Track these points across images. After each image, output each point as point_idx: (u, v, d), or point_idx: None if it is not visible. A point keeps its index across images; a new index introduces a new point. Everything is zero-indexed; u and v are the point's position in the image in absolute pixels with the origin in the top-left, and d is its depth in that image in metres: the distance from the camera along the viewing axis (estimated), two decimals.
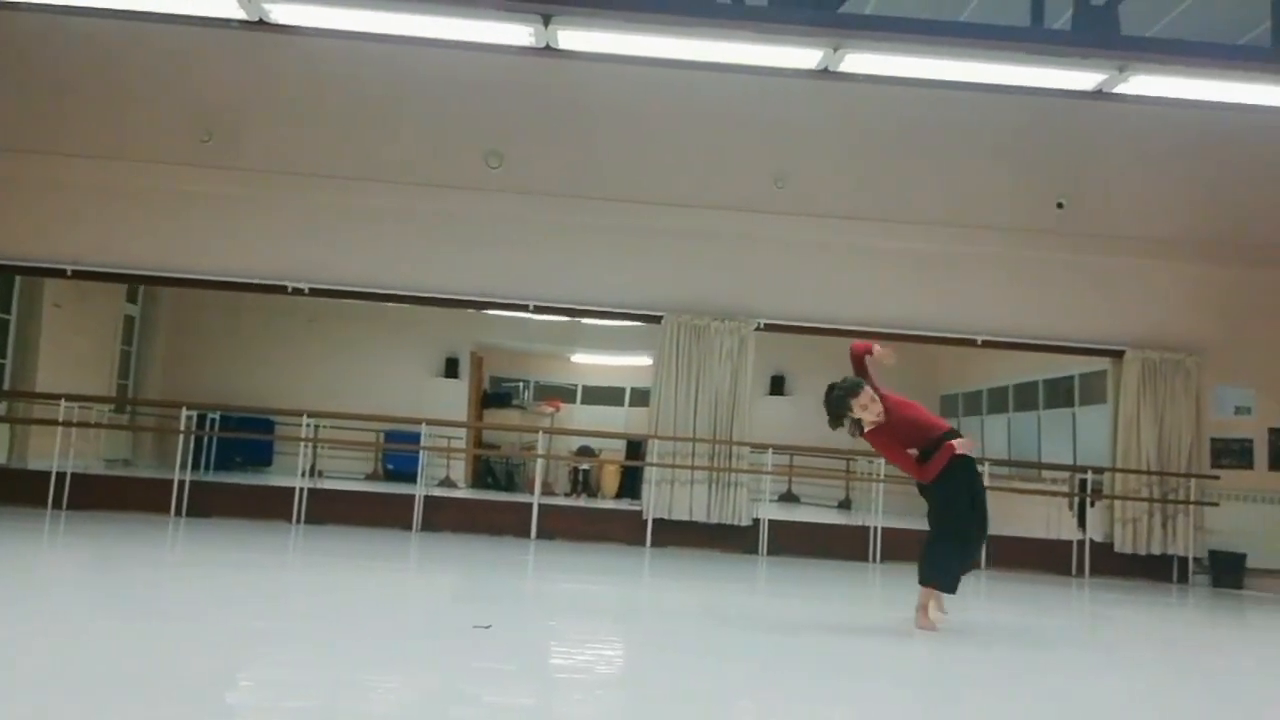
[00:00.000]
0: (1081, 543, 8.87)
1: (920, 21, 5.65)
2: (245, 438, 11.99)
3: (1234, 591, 8.48)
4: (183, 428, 8.96)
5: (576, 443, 13.95)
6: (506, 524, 8.82)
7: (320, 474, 11.16)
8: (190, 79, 8.84)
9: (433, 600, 5.68)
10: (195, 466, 9.52)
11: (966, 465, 5.05)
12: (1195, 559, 8.75)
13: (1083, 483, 9.48)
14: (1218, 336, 9.03)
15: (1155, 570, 8.75)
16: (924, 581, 5.02)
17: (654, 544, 8.59)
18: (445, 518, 8.80)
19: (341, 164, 8.86)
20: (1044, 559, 8.77)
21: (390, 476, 13.52)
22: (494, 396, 15.65)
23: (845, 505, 13.57)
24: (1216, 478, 8.82)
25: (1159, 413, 8.82)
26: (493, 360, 15.83)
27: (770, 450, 9.16)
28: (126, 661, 3.30)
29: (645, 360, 15.33)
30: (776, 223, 8.94)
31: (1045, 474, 11.42)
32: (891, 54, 5.76)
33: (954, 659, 4.39)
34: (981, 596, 7.18)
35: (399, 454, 12.98)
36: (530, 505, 8.79)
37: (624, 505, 10.05)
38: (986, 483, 9.16)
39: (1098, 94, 6.15)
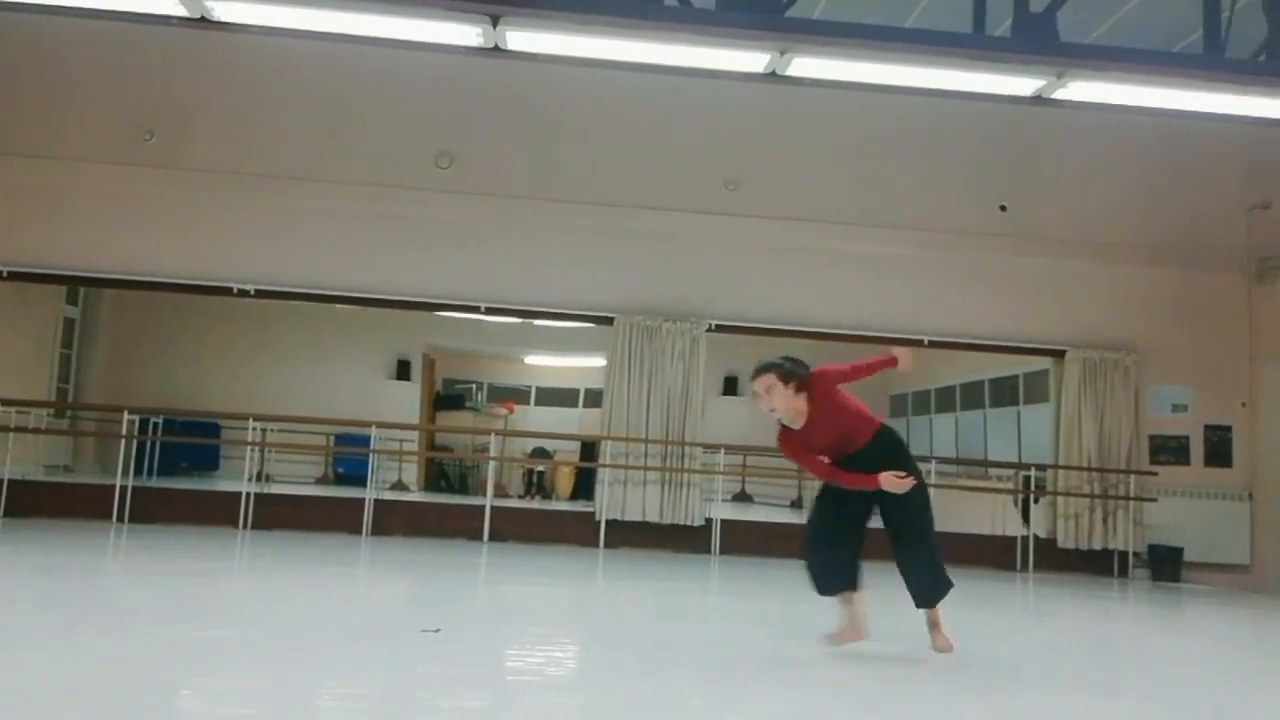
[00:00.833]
0: (1025, 538, 9.07)
1: (865, 27, 5.74)
2: (190, 442, 11.77)
3: (1172, 585, 8.72)
4: (124, 432, 8.77)
5: (532, 444, 13.92)
6: (459, 527, 8.77)
7: (269, 479, 10.99)
8: (131, 77, 8.68)
9: (381, 605, 5.62)
10: (139, 472, 9.30)
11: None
12: (1135, 553, 8.99)
13: (1026, 479, 9.68)
14: (1155, 336, 9.29)
15: (1097, 565, 8.96)
16: (935, 602, 4.36)
17: (607, 545, 8.60)
18: (396, 521, 8.72)
19: (289, 164, 8.75)
20: (989, 555, 8.95)
21: (341, 480, 13.35)
22: (447, 399, 15.55)
23: (798, 504, 13.70)
24: (1155, 474, 9.06)
25: (1099, 410, 9.04)
26: (445, 362, 15.73)
27: (723, 450, 9.23)
28: (63, 675, 3.23)
29: (599, 361, 15.33)
30: (728, 225, 9.01)
31: (991, 471, 11.64)
32: (837, 58, 5.85)
33: (894, 658, 4.45)
34: None
35: (349, 457, 12.82)
36: (483, 508, 8.75)
37: (577, 507, 10.04)
38: (934, 480, 9.42)
39: (1037, 99, 6.29)
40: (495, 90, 8.83)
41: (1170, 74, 6.06)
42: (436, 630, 4.29)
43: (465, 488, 14.27)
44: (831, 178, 9.23)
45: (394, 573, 7.04)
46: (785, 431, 4.30)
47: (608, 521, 8.63)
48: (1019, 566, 8.93)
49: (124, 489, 8.28)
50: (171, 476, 11.71)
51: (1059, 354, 9.31)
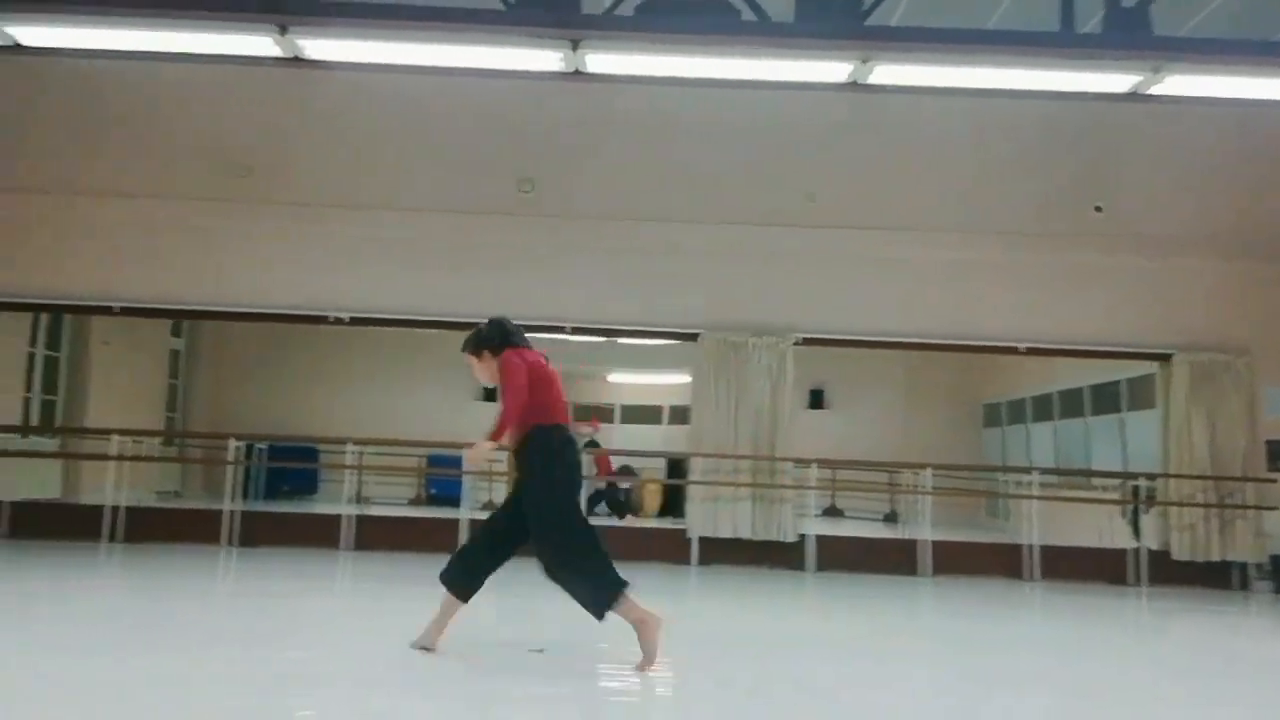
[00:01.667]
0: (1137, 551, 8.69)
1: (948, 31, 5.63)
2: (291, 467, 12.14)
3: None
4: (231, 458, 9.11)
5: (615, 462, 13.95)
6: None
7: (365, 500, 11.28)
8: (229, 116, 9.04)
9: (482, 624, 5.68)
10: (244, 496, 9.64)
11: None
12: (1256, 565, 8.53)
13: (1135, 489, 9.28)
14: (1267, 337, 8.83)
15: (1215, 578, 8.53)
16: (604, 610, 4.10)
17: (700, 562, 8.56)
18: None
19: (377, 194, 9.01)
20: (1100, 569, 8.59)
21: (433, 501, 13.63)
22: None
23: (891, 519, 13.42)
24: (1275, 480, 8.60)
25: (1211, 416, 8.63)
26: None
27: (815, 465, 9.08)
28: (169, 695, 3.35)
29: (683, 378, 15.34)
30: (810, 236, 8.92)
31: (1095, 481, 11.21)
32: (920, 64, 5.74)
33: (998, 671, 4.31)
34: (1035, 609, 7.06)
35: (442, 478, 13.07)
36: None
37: (666, 524, 10.02)
38: (1035, 490, 9.13)
39: (1132, 96, 6.07)
40: (573, 113, 8.93)
41: (1271, 64, 5.78)
42: (541, 650, 4.32)
43: None
44: (914, 184, 9.04)
45: (492, 591, 7.08)
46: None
47: (700, 538, 8.58)
48: (1132, 581, 8.55)
49: (232, 513, 8.59)
50: (275, 500, 12.12)
51: (1165, 358, 8.93)
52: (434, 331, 9.91)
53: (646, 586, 7.26)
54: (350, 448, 9.42)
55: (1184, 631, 6.76)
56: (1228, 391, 8.65)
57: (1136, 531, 9.11)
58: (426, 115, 8.98)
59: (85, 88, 8.71)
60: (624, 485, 13.61)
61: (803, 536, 8.66)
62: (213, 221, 8.95)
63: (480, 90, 8.48)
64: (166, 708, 3.13)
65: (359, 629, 5.07)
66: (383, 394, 14.07)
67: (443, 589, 4.18)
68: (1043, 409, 13.56)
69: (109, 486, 8.47)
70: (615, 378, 16.26)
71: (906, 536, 9.39)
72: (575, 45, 5.72)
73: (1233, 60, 5.74)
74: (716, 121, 8.90)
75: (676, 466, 13.36)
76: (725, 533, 8.50)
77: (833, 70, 5.79)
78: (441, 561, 4.21)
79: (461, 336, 4.62)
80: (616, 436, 15.89)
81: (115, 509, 8.40)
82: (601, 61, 5.89)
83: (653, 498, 13.58)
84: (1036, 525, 8.52)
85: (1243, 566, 8.52)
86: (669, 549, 8.75)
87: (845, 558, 8.73)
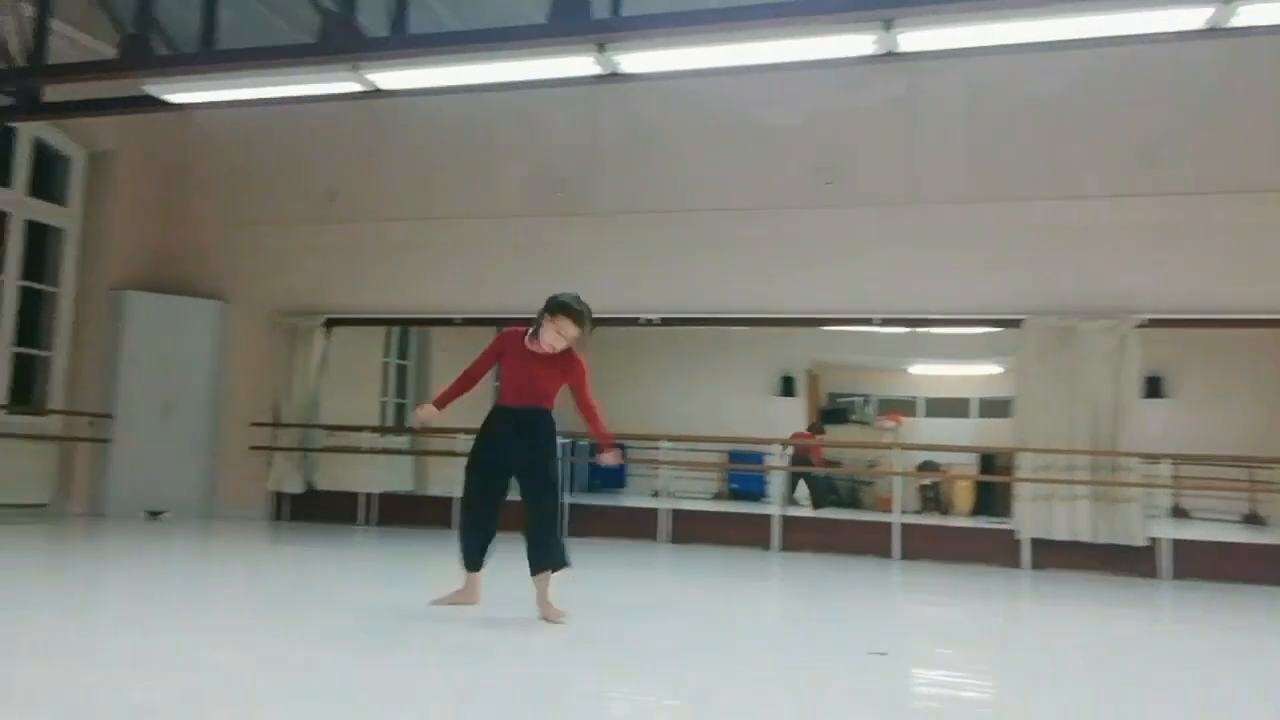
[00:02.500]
0: None
1: None
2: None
3: None
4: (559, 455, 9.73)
5: (915, 458, 13.37)
6: (867, 544, 8.60)
7: (672, 495, 11.65)
8: (542, 137, 9.69)
9: (819, 624, 5.62)
10: (570, 489, 10.29)
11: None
12: None
13: None
14: None
15: None
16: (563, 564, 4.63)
17: (1033, 566, 7.96)
18: (802, 537, 8.76)
19: (682, 197, 9.23)
20: None
21: (735, 496, 13.81)
22: (831, 413, 15.47)
23: (1254, 520, 11.78)
24: None
25: None
26: (829, 376, 15.67)
27: (1167, 461, 8.12)
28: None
29: (992, 368, 14.41)
30: (1152, 205, 8.00)
31: None
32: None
33: None
34: None
35: (743, 474, 13.22)
36: (890, 525, 8.51)
37: (992, 524, 9.42)
38: None
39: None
40: (882, 98, 8.66)
41: None
42: (884, 653, 4.18)
43: (856, 503, 14.06)
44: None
45: (819, 589, 7.03)
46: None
47: (1032, 540, 7.98)
48: None
49: (562, 507, 9.16)
50: (589, 493, 12.85)
51: None
52: (735, 330, 10.02)
53: (977, 589, 6.88)
54: (664, 445, 9.73)
55: None
56: None
57: None
58: (728, 114, 9.10)
59: (426, 123, 9.72)
60: (926, 482, 13.00)
61: (1154, 540, 7.79)
62: (532, 235, 9.61)
63: (782, 84, 8.46)
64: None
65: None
66: (680, 390, 14.44)
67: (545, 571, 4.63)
68: None
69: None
70: (918, 369, 15.59)
71: (1277, 541, 8.16)
72: (888, 25, 5.52)
73: None
74: (1024, 88, 8.29)
75: (989, 462, 12.57)
76: (1061, 535, 7.83)
77: (1192, 17, 5.14)
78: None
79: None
80: (920, 430, 15.23)
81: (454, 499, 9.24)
82: (915, 39, 5.64)
83: (964, 495, 12.86)
84: None
85: None
86: (995, 551, 8.21)
87: (1204, 564, 7.74)
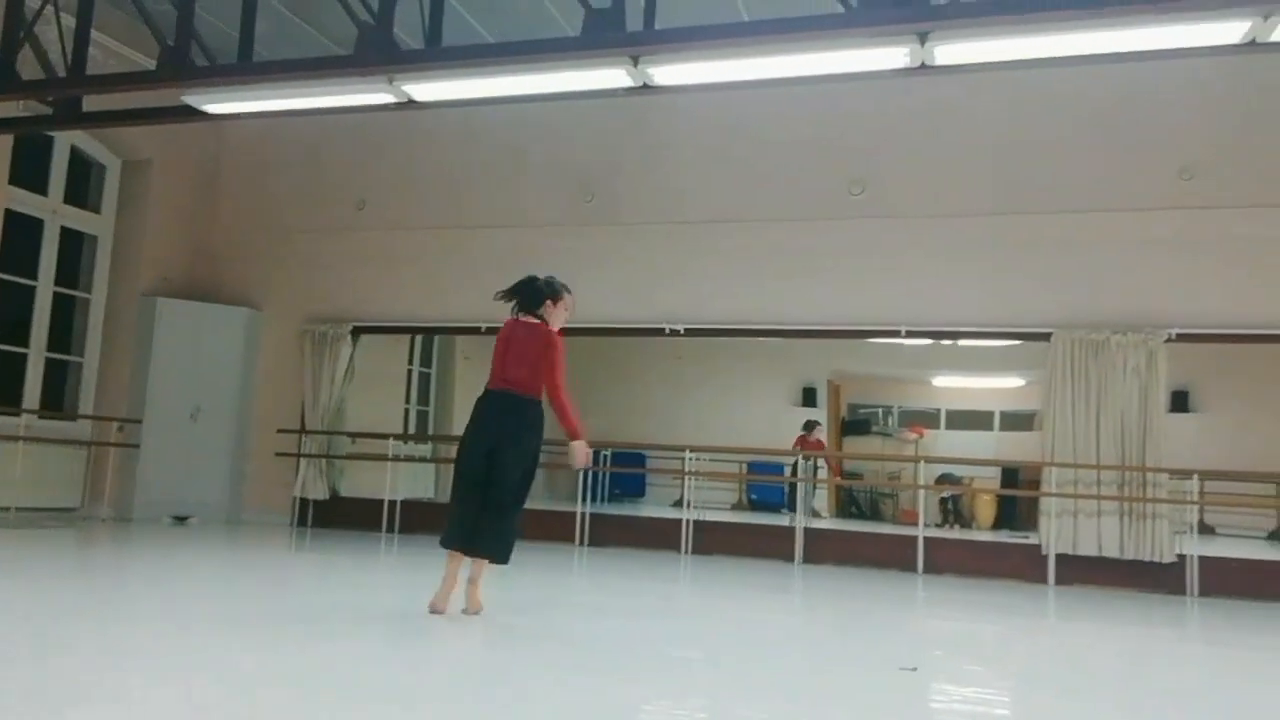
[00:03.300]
0: None
1: None
2: (625, 471, 12.82)
3: None
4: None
5: (935, 470, 13.31)
6: (889, 557, 8.58)
7: (690, 505, 11.66)
8: (572, 147, 9.75)
9: (851, 638, 5.62)
10: (590, 499, 10.31)
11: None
12: None
13: None
14: None
15: None
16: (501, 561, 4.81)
17: (1057, 581, 7.92)
18: (825, 549, 8.75)
19: (706, 208, 9.26)
20: None
21: (754, 506, 13.80)
22: (853, 424, 15.45)
23: (1278, 537, 11.67)
24: None
25: None
26: (850, 387, 15.65)
27: (1196, 477, 8.06)
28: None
29: (1015, 381, 14.35)
30: (1183, 219, 7.97)
31: None
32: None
33: None
34: None
35: (763, 484, 13.22)
36: (914, 538, 8.49)
37: (1016, 538, 9.38)
38: None
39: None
40: (910, 111, 8.67)
41: None
42: (914, 669, 4.18)
43: (877, 514, 14.03)
44: None
45: (842, 602, 7.02)
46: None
47: (1057, 556, 7.94)
48: None
49: (583, 515, 9.22)
50: (608, 503, 12.87)
51: None
52: (755, 340, 10.01)
53: (1002, 605, 6.85)
54: (688, 454, 9.75)
55: None
56: None
57: None
58: (744, 132, 9.13)
59: (454, 132, 9.81)
60: (946, 494, 12.95)
61: (1181, 557, 7.73)
62: (559, 244, 9.64)
63: (811, 97, 8.48)
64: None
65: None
66: (702, 400, 14.44)
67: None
68: None
69: None
70: (940, 381, 15.55)
71: None
72: (923, 39, 5.54)
73: None
74: (1050, 104, 8.29)
75: (1011, 476, 12.52)
76: (1088, 550, 7.78)
77: (1230, 31, 5.13)
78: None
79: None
80: (942, 443, 15.18)
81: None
82: (951, 52, 5.65)
83: (986, 508, 12.80)
84: None
85: None
86: (1019, 565, 8.18)
87: (1232, 581, 7.68)
